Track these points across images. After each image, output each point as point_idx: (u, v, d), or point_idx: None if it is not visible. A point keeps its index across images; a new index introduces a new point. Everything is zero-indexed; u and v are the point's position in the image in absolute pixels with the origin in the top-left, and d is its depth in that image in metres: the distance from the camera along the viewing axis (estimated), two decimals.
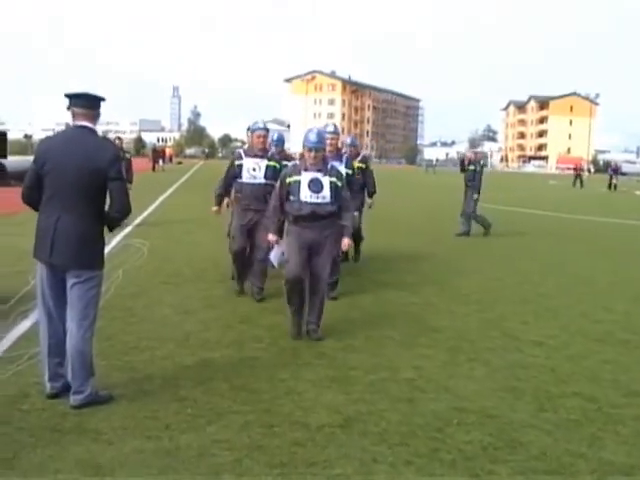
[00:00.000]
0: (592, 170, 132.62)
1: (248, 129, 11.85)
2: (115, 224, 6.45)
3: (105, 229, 6.34)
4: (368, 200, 13.75)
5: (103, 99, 6.33)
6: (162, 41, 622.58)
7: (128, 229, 18.94)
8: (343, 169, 10.36)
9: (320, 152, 8.62)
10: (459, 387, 7.08)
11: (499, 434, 5.93)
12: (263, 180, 10.53)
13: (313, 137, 8.56)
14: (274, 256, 9.22)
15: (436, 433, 5.90)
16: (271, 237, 8.94)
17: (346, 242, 8.81)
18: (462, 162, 21.40)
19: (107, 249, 14.65)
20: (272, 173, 10.42)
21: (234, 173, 10.79)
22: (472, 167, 20.92)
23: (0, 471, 4.97)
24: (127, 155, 20.11)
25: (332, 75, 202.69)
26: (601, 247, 19.60)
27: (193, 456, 5.30)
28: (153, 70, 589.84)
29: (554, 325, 9.80)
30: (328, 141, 10.33)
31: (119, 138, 20.99)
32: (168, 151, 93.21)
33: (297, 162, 9.30)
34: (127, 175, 19.82)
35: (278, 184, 8.88)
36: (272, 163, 10.65)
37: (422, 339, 8.79)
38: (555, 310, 10.81)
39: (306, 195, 8.52)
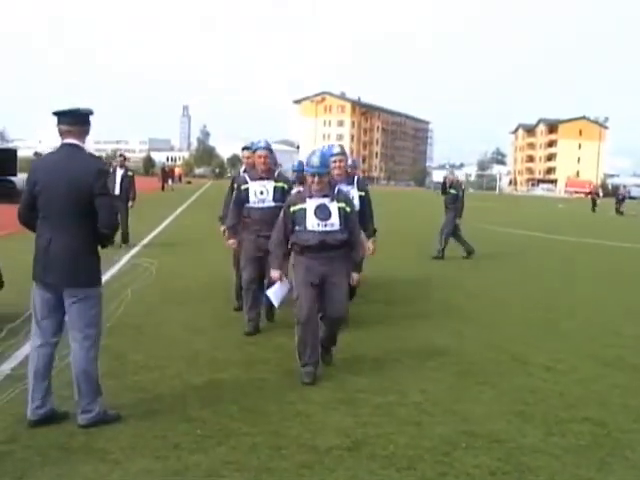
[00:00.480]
0: (601, 194, 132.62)
1: (244, 149, 11.55)
2: (106, 241, 6.27)
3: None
4: (368, 244, 10.20)
5: (89, 113, 6.22)
6: (173, 61, 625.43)
7: (136, 249, 19.00)
8: (355, 192, 10.09)
9: (324, 177, 7.95)
10: (467, 410, 7.06)
11: (507, 458, 5.91)
12: (272, 203, 9.79)
13: (316, 161, 7.92)
14: (275, 293, 8.28)
15: (444, 457, 5.89)
16: (274, 274, 8.14)
17: (355, 278, 8.23)
18: (444, 185, 21.39)
19: (115, 268, 14.92)
20: (281, 195, 9.75)
21: (243, 198, 10.00)
22: (453, 190, 20.99)
23: None
24: (129, 173, 20.10)
25: (342, 97, 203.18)
26: (611, 271, 19.56)
27: (202, 477, 5.30)
28: (163, 89, 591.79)
29: (563, 349, 9.77)
30: (335, 164, 9.97)
31: (123, 156, 20.98)
32: (177, 170, 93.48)
33: (300, 189, 8.68)
34: (130, 193, 19.90)
35: (281, 214, 8.19)
36: (280, 184, 9.97)
37: (429, 362, 8.76)
38: (564, 334, 10.78)
39: (313, 224, 7.84)
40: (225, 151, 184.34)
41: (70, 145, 6.11)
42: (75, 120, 6.11)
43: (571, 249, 25.80)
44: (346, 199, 8.16)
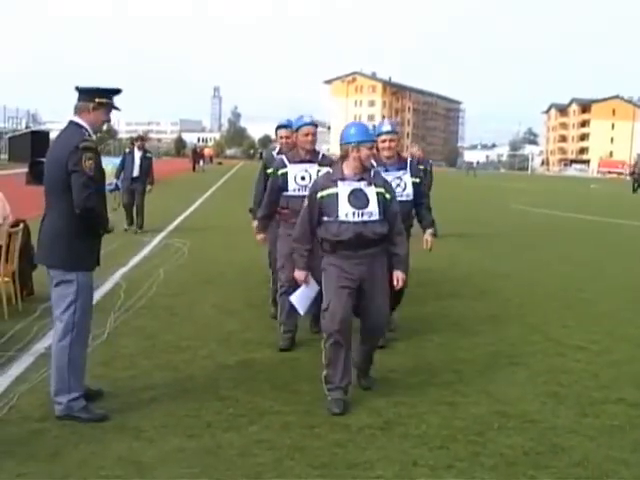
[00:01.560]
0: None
1: (279, 127, 9.61)
2: (88, 222, 5.88)
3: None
4: (426, 236, 8.76)
5: (89, 90, 6.01)
6: (204, 41, 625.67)
7: (168, 230, 19.08)
8: (409, 178, 8.45)
9: (368, 150, 6.57)
10: (500, 391, 7.04)
11: (540, 439, 5.87)
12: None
13: (354, 131, 6.58)
14: (299, 298, 6.98)
15: (477, 437, 5.87)
16: (299, 274, 6.80)
17: (400, 277, 6.71)
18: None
19: (148, 249, 15.00)
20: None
21: (280, 184, 8.37)
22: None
23: (43, 467, 5.03)
24: (148, 155, 19.80)
25: (372, 77, 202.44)
26: None
27: (234, 455, 5.32)
28: (194, 70, 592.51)
29: (597, 330, 9.69)
30: (385, 144, 8.33)
31: (141, 137, 20.78)
32: (208, 151, 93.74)
33: (329, 170, 6.92)
34: (148, 176, 19.42)
35: (306, 202, 6.73)
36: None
37: (462, 342, 8.74)
38: (598, 315, 10.69)
39: (347, 213, 6.42)
40: (256, 132, 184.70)
41: (69, 122, 6.01)
42: (78, 97, 6.01)
43: (605, 230, 25.58)
44: (385, 184, 6.72)
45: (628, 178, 78.63)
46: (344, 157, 6.62)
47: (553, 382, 7.39)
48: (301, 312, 7.17)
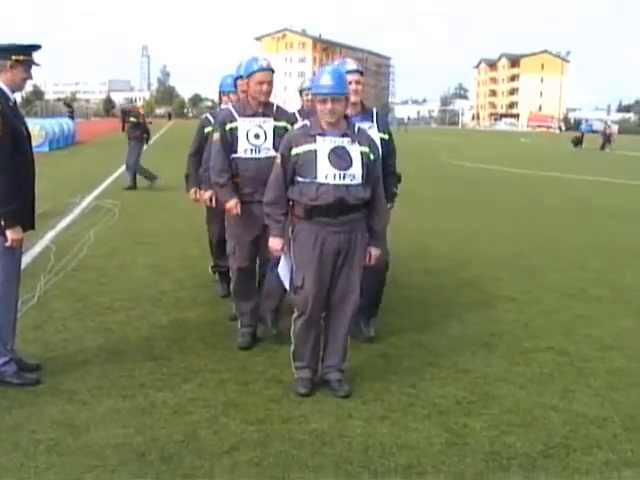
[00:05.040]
0: (563, 128, 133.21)
1: (238, 78, 7.42)
2: None
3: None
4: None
5: (3, 48, 5.73)
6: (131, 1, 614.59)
7: (98, 190, 18.83)
8: (375, 133, 6.73)
9: (342, 103, 5.70)
10: (432, 343, 7.14)
11: (472, 388, 5.98)
12: (272, 152, 6.63)
13: (328, 79, 5.68)
14: (285, 272, 6.10)
15: (410, 388, 5.94)
16: (276, 244, 5.92)
17: (374, 254, 6.02)
18: (124, 113, 21.28)
19: (77, 210, 14.79)
20: (280, 140, 6.34)
21: (229, 142, 6.84)
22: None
23: None
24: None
25: (303, 33, 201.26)
26: (577, 203, 19.70)
27: (169, 414, 5.31)
28: (121, 29, 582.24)
29: (527, 282, 9.87)
30: (352, 85, 6.55)
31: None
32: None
33: (306, 123, 5.96)
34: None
35: (278, 160, 5.86)
36: (281, 123, 6.90)
37: (395, 297, 8.76)
38: (529, 268, 10.88)
39: (327, 174, 5.62)
40: (186, 91, 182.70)
41: None
42: None
43: (537, 183, 25.92)
44: (370, 142, 5.91)
45: (558, 132, 79.68)
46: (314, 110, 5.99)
47: (484, 333, 7.51)
48: (287, 285, 6.12)
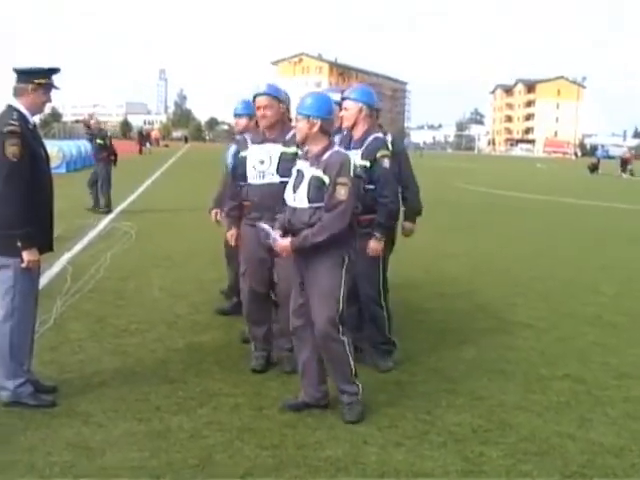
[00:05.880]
0: (579, 154, 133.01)
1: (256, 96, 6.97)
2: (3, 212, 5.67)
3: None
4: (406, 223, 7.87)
5: (25, 71, 5.83)
6: (148, 23, 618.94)
7: (115, 212, 18.91)
8: (358, 159, 6.66)
9: (303, 123, 5.82)
10: (448, 369, 7.10)
11: (489, 416, 5.95)
12: (276, 178, 6.63)
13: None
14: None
15: (425, 415, 5.91)
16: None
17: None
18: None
19: (94, 232, 14.85)
20: (289, 166, 6.32)
21: (239, 170, 6.95)
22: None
23: None
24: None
25: (319, 58, 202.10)
26: (592, 229, 19.64)
27: (184, 438, 5.31)
28: (140, 53, 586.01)
29: (543, 307, 9.82)
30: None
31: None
32: (155, 134, 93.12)
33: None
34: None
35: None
36: (291, 149, 6.64)
37: (410, 320, 8.77)
38: (545, 293, 10.83)
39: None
40: (202, 114, 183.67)
41: (6, 105, 5.84)
42: (16, 78, 5.84)
43: (553, 209, 25.87)
44: (326, 167, 5.83)
45: (573, 158, 79.57)
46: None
47: (501, 359, 7.47)
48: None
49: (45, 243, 5.98)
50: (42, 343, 7.00)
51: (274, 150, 6.71)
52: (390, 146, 7.02)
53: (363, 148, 6.80)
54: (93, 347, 7.35)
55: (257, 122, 7.22)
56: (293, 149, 6.61)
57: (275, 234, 5.83)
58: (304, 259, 5.79)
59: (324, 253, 5.70)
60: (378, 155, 6.77)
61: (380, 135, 6.98)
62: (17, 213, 5.63)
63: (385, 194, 6.74)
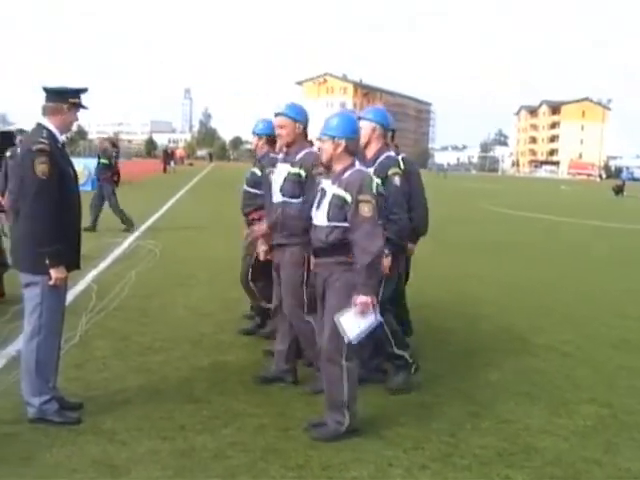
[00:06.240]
0: (604, 176, 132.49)
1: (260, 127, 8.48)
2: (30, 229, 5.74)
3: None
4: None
5: (60, 91, 5.90)
6: (173, 42, 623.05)
7: (140, 231, 18.98)
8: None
9: (327, 144, 5.90)
10: (473, 391, 7.08)
11: (514, 439, 5.91)
12: (279, 197, 6.84)
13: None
14: (350, 324, 5.62)
15: (450, 438, 5.89)
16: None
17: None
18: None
19: (119, 250, 14.92)
20: (292, 186, 6.72)
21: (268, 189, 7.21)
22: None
23: (16, 470, 5.00)
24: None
25: (344, 78, 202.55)
26: (617, 252, 19.54)
27: (208, 457, 5.31)
28: (165, 72, 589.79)
29: (568, 330, 9.76)
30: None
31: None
32: (180, 152, 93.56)
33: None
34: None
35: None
36: (295, 170, 6.76)
37: (434, 342, 8.76)
38: (569, 316, 10.77)
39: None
40: (227, 133, 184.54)
41: (35, 124, 5.91)
42: (47, 98, 5.89)
43: (578, 231, 25.77)
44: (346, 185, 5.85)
45: (598, 180, 79.26)
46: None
47: (526, 382, 7.43)
48: (349, 336, 5.61)
49: (73, 261, 6.03)
50: (67, 360, 7.02)
51: (284, 170, 6.84)
52: (402, 165, 7.07)
53: (375, 166, 6.79)
54: (118, 365, 7.37)
55: (273, 141, 7.74)
56: (296, 169, 6.73)
57: (350, 317, 5.61)
58: (323, 282, 5.89)
59: (341, 275, 5.75)
60: (389, 173, 6.77)
61: (392, 154, 7.06)
62: (46, 231, 5.69)
63: (395, 211, 6.69)
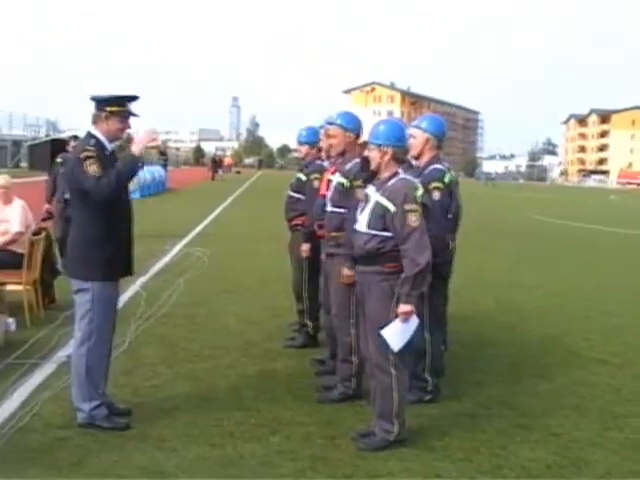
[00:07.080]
0: None
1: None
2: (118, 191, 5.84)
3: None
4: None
5: (99, 99, 5.95)
6: (222, 51, 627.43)
7: (188, 238, 19.10)
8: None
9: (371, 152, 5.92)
10: (522, 404, 7.01)
11: (564, 452, 5.85)
12: (328, 206, 6.99)
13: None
14: (394, 336, 5.67)
15: (499, 450, 5.84)
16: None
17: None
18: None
19: (168, 257, 15.02)
20: (337, 195, 6.87)
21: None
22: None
23: (65, 475, 5.05)
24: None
25: (391, 87, 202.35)
26: None
27: (256, 465, 5.33)
28: (213, 80, 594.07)
29: (618, 343, 9.63)
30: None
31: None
32: (227, 160, 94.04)
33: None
34: None
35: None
36: (341, 179, 6.88)
37: (483, 353, 8.71)
38: (619, 328, 10.63)
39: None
40: (274, 141, 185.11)
41: (86, 132, 6.03)
42: (94, 106, 5.96)
43: (626, 241, 25.46)
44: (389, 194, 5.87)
45: None
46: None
47: (575, 395, 7.36)
48: (395, 348, 5.66)
49: (124, 268, 6.09)
50: (116, 366, 7.07)
51: (335, 179, 6.93)
52: (447, 179, 6.88)
53: (422, 177, 6.60)
54: (166, 372, 7.42)
55: (319, 149, 7.96)
56: (341, 179, 6.81)
57: (393, 329, 5.62)
58: (361, 290, 5.91)
59: (377, 285, 5.75)
60: (430, 186, 6.63)
61: (440, 166, 6.92)
62: (96, 237, 5.79)
63: (429, 227, 6.06)
